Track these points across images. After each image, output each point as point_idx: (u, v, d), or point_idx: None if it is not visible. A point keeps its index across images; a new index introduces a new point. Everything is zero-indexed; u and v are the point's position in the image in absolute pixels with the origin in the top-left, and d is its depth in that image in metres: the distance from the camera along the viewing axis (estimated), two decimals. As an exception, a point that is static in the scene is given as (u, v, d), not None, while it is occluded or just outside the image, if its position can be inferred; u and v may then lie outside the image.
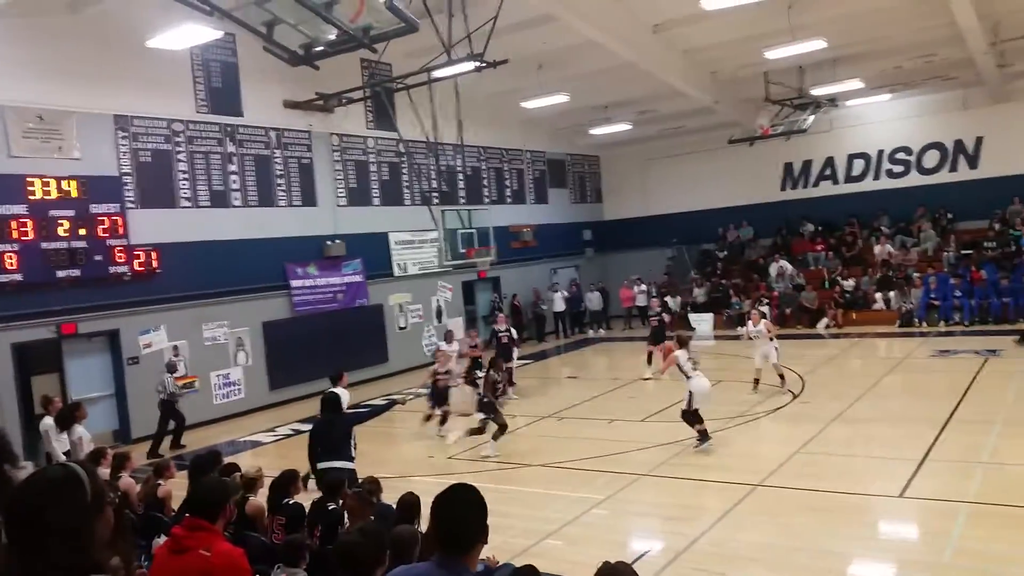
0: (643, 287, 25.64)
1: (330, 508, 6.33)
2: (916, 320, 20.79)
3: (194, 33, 12.70)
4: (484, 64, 14.62)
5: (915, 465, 9.25)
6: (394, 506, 5.99)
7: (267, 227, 17.26)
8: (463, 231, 17.86)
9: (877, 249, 23.83)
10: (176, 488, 7.31)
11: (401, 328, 20.73)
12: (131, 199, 14.86)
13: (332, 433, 8.41)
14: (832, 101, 22.49)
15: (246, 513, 6.27)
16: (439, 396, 13.38)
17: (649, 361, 16.92)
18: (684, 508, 8.91)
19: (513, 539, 7.55)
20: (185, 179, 15.86)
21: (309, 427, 14.34)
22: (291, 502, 6.48)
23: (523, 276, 24.90)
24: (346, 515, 6.15)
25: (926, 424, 10.92)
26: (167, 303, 15.29)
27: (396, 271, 20.66)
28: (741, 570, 7.03)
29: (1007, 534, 7.18)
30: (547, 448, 11.96)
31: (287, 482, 6.62)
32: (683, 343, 11.71)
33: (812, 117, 22.59)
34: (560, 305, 25.36)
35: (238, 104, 16.81)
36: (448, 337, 16.57)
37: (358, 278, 19.35)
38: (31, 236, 13.28)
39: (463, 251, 17.66)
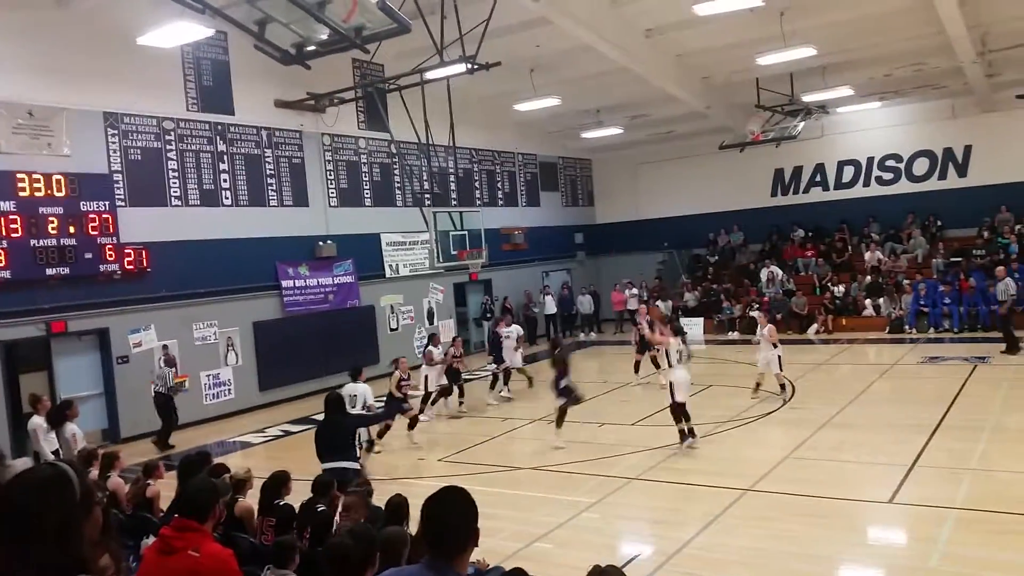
0: (634, 291, 25.68)
1: (320, 509, 6.30)
2: (906, 326, 20.89)
3: (185, 31, 12.65)
4: (477, 66, 14.63)
5: (904, 471, 9.29)
6: (383, 508, 5.97)
7: (258, 227, 17.20)
8: (455, 233, 17.81)
9: (867, 255, 23.94)
10: (165, 489, 7.26)
11: (393, 329, 20.70)
12: (121, 197, 14.78)
13: (336, 433, 8.39)
14: (823, 108, 22.61)
15: (235, 514, 6.24)
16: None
17: (636, 370, 16.85)
18: (674, 512, 8.91)
19: (503, 542, 7.54)
20: (176, 177, 15.80)
21: (299, 428, 14.41)
22: (282, 503, 6.44)
23: (514, 279, 24.90)
24: (342, 513, 6.09)
25: (915, 430, 10.97)
26: (157, 302, 15.22)
27: (388, 272, 20.63)
28: (729, 574, 7.04)
29: (994, 540, 7.22)
30: (537, 451, 11.94)
31: (278, 483, 6.59)
32: (678, 332, 11.77)
33: (803, 124, 22.70)
34: (551, 308, 25.37)
35: (229, 103, 16.75)
36: (433, 341, 16.53)
37: (349, 279, 19.30)
38: (20, 233, 13.18)
39: (455, 253, 17.61)
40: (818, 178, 26.01)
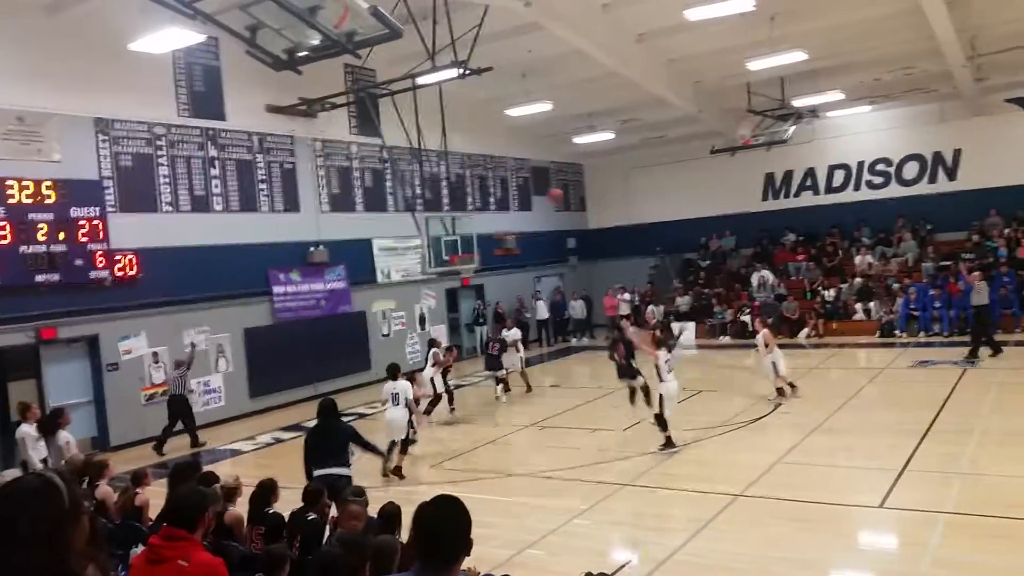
0: (626, 296, 25.73)
1: (310, 518, 6.28)
2: (896, 330, 20.96)
3: (177, 37, 12.59)
4: (468, 71, 14.64)
5: (895, 475, 9.31)
6: (375, 516, 5.95)
7: (249, 233, 17.14)
8: (447, 238, 17.82)
9: (857, 259, 24.05)
10: (154, 497, 7.22)
11: (384, 335, 20.65)
12: (112, 203, 14.72)
13: (329, 439, 8.33)
14: (813, 112, 22.71)
15: (225, 522, 6.21)
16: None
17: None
18: (665, 518, 8.92)
19: (494, 549, 7.52)
20: (167, 183, 15.74)
21: (291, 436, 14.36)
22: (271, 511, 6.42)
23: (507, 284, 24.89)
24: (344, 521, 6.04)
25: (906, 434, 11.00)
26: (147, 308, 15.15)
27: (379, 278, 20.59)
28: (722, 580, 7.04)
29: (984, 544, 7.25)
30: (529, 457, 11.94)
31: (267, 491, 6.56)
32: (663, 344, 11.81)
33: (793, 128, 22.79)
34: (543, 313, 25.38)
35: (220, 108, 16.71)
36: (436, 345, 16.54)
37: (341, 285, 19.27)
38: (9, 239, 13.09)
39: (446, 258, 17.61)
40: (809, 182, 26.10)
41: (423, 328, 21.76)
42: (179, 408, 14.36)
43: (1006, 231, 22.32)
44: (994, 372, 15.49)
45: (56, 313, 13.82)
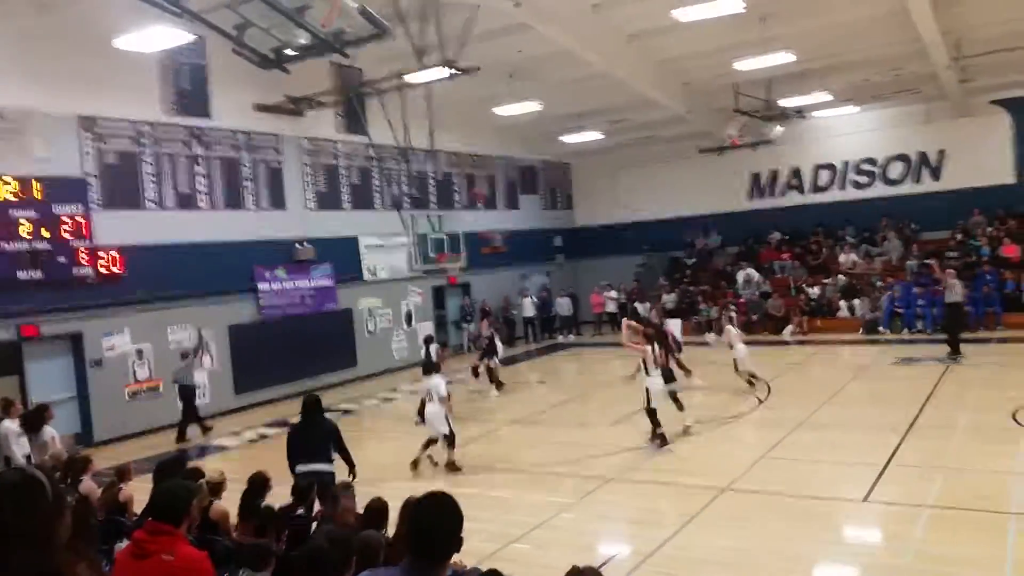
0: (613, 293, 25.81)
1: (298, 513, 6.28)
2: (880, 328, 21.11)
3: (164, 35, 12.49)
4: (456, 71, 14.62)
5: (878, 470, 9.39)
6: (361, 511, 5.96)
7: (235, 230, 17.07)
8: (433, 236, 17.83)
9: (842, 258, 24.21)
10: (138, 493, 7.19)
11: (370, 333, 20.62)
12: (96, 200, 14.63)
13: (312, 436, 8.30)
14: (800, 113, 22.80)
15: (210, 517, 6.19)
16: None
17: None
18: (651, 512, 8.97)
19: (481, 543, 7.52)
20: (152, 181, 15.66)
21: (275, 432, 14.31)
22: (263, 505, 6.39)
23: (494, 282, 24.89)
24: (338, 514, 6.03)
25: (889, 430, 11.09)
26: (131, 305, 15.07)
27: (366, 275, 20.55)
28: (707, 573, 7.09)
29: (966, 537, 7.32)
30: (516, 452, 11.96)
31: (259, 485, 6.54)
32: (651, 340, 11.85)
33: (780, 128, 22.89)
34: (530, 311, 25.40)
35: (207, 106, 16.61)
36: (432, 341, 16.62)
37: (327, 282, 19.21)
38: (-8, 236, 13.01)
39: (433, 256, 17.63)
40: (795, 182, 26.25)
41: (409, 326, 21.75)
42: (185, 397, 14.81)
43: (989, 230, 22.52)
44: (976, 369, 15.63)
45: (39, 310, 13.73)
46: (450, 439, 11.10)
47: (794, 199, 26.23)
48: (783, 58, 17.12)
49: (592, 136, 24.89)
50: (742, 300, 23.75)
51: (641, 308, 24.97)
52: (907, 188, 24.38)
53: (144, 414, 15.12)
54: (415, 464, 11.07)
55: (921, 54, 17.88)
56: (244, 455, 13.41)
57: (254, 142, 17.71)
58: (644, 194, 28.01)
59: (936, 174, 23.95)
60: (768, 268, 25.25)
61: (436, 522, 2.77)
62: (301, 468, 7.96)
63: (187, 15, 10.82)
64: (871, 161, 24.92)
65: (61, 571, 2.11)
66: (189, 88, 16.27)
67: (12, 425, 10.03)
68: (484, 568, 5.72)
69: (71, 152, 14.35)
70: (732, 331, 15.11)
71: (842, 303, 22.48)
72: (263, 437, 14.47)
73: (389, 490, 6.87)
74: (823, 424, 12.12)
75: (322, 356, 18.66)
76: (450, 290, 24.00)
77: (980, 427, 11.27)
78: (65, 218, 13.96)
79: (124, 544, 4.90)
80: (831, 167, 25.56)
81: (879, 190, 24.83)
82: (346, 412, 15.78)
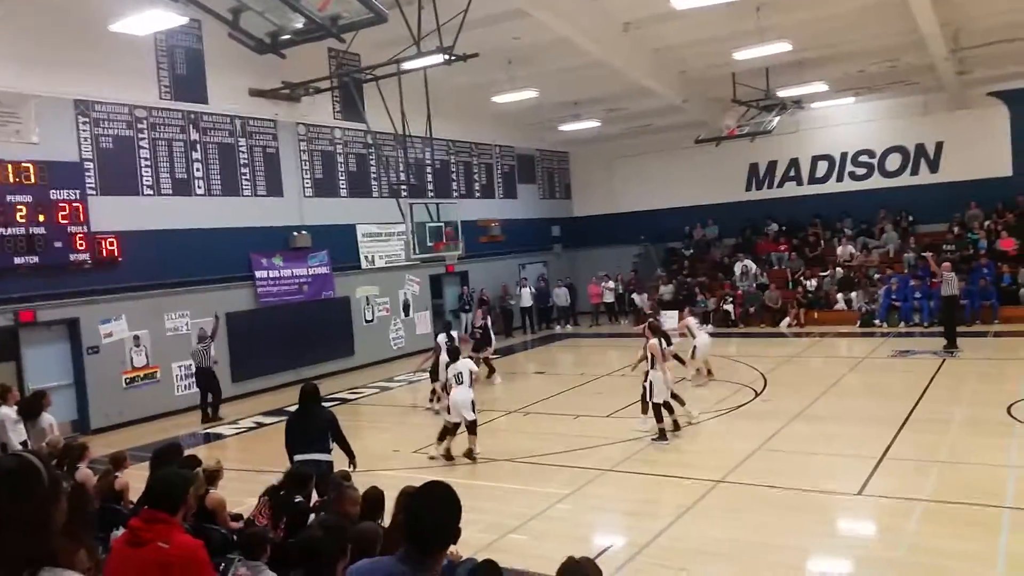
0: (610, 284, 25.83)
1: (296, 501, 6.27)
2: (876, 320, 21.14)
3: (159, 19, 12.44)
4: (454, 57, 14.55)
5: (874, 463, 9.41)
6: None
7: (231, 217, 17.01)
8: (431, 224, 17.76)
9: (839, 250, 24.23)
10: (135, 480, 7.19)
11: (368, 321, 20.61)
12: (92, 185, 14.56)
13: (310, 425, 8.28)
14: (797, 103, 22.78)
15: (206, 505, 6.19)
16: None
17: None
18: (647, 503, 8.98)
19: (477, 534, 7.54)
20: (148, 166, 15.59)
21: (272, 420, 14.31)
22: (298, 500, 6.34)
23: (491, 271, 24.89)
24: (342, 504, 5.99)
25: (885, 423, 11.11)
26: (128, 292, 15.03)
27: (363, 263, 20.52)
28: (702, 564, 7.10)
29: (960, 530, 7.34)
30: (513, 443, 11.96)
31: (303, 481, 6.50)
32: (656, 331, 11.85)
33: (777, 118, 22.86)
34: (527, 300, 25.40)
35: (203, 91, 16.52)
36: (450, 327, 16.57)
37: (324, 270, 19.18)
38: (-13, 222, 12.96)
39: (431, 244, 17.57)
40: (792, 173, 26.25)
41: (407, 315, 21.74)
42: (206, 380, 15.00)
43: (986, 223, 22.54)
44: (973, 363, 15.68)
45: (35, 296, 13.70)
46: (472, 426, 11.00)
47: (792, 190, 26.24)
48: (780, 48, 17.08)
49: (589, 124, 24.84)
50: (739, 292, 23.77)
51: (638, 299, 25.03)
52: (905, 180, 24.40)
53: (141, 401, 15.11)
54: (449, 455, 10.95)
55: (919, 45, 17.84)
56: (241, 443, 13.41)
57: (250, 128, 17.63)
58: (642, 184, 28.00)
59: (934, 166, 23.97)
60: (765, 260, 25.27)
61: (433, 512, 2.76)
62: (299, 457, 7.95)
63: (183, -1, 10.76)
64: (869, 153, 24.91)
65: (56, 557, 2.10)
66: (185, 73, 16.18)
67: (9, 412, 10.00)
68: (480, 558, 5.74)
69: (67, 137, 14.27)
70: (691, 321, 15.68)
71: (839, 295, 22.51)
72: (260, 425, 14.47)
73: (385, 479, 6.89)
74: (819, 416, 12.14)
75: (319, 344, 18.66)
76: (447, 279, 23.98)
77: (975, 421, 11.31)
78: (62, 203, 13.91)
79: (120, 532, 4.91)
80: (829, 158, 25.55)
81: (877, 182, 24.84)
82: (343, 401, 15.78)
